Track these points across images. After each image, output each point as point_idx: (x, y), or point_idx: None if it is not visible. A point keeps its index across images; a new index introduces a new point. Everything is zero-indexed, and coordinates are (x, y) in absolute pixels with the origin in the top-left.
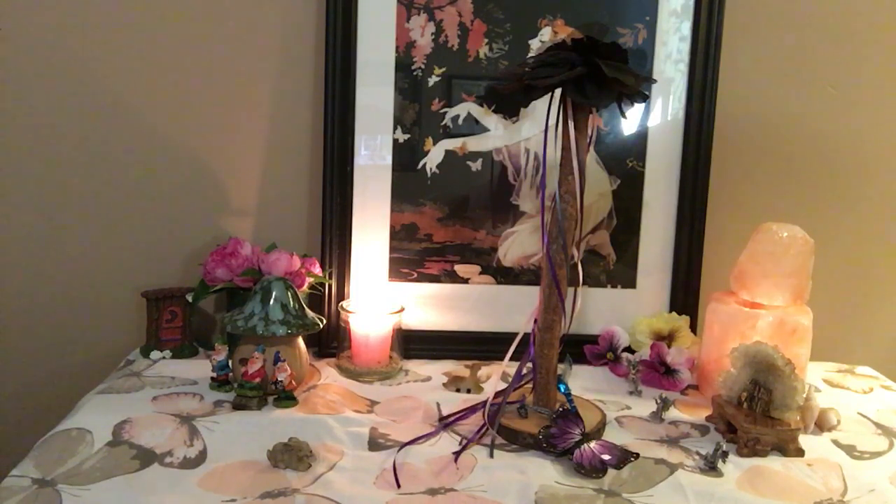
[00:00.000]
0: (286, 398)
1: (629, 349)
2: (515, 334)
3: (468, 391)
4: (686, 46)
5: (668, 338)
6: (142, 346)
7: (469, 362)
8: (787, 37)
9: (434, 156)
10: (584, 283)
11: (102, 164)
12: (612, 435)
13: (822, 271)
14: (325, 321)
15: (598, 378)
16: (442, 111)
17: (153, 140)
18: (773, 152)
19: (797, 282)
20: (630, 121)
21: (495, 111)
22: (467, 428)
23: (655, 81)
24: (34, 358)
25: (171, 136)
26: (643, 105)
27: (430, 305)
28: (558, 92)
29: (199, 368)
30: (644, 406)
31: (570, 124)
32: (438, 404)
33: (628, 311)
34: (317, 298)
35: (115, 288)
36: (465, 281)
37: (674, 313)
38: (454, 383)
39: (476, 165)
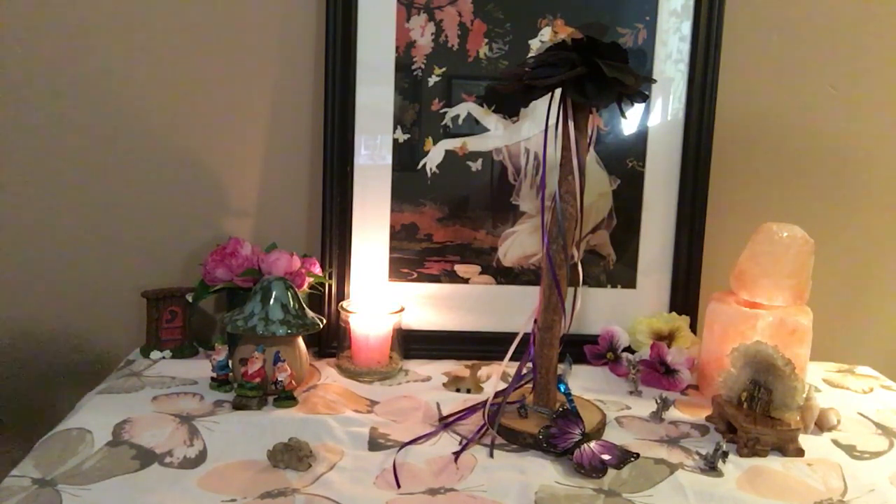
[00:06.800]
0: (286, 398)
1: (629, 349)
2: (515, 334)
3: (468, 391)
4: (686, 46)
5: (668, 338)
6: (142, 346)
7: (469, 362)
8: (787, 37)
9: (434, 156)
10: (584, 283)
11: (102, 164)
12: (612, 435)
13: (822, 271)
14: (325, 321)
15: (598, 378)
16: (442, 111)
17: (153, 140)
18: (773, 152)
19: (797, 282)
20: (630, 121)
21: (495, 111)
22: (467, 428)
23: (655, 81)
24: (34, 358)
25: (171, 136)
26: (643, 105)
27: (430, 305)
28: (558, 92)
29: (199, 368)
30: (644, 406)
31: (570, 124)
32: (438, 404)
33: (628, 311)
34: (317, 298)
35: (115, 288)
36: (465, 281)
37: (674, 313)
38: (454, 383)
39: (476, 165)
